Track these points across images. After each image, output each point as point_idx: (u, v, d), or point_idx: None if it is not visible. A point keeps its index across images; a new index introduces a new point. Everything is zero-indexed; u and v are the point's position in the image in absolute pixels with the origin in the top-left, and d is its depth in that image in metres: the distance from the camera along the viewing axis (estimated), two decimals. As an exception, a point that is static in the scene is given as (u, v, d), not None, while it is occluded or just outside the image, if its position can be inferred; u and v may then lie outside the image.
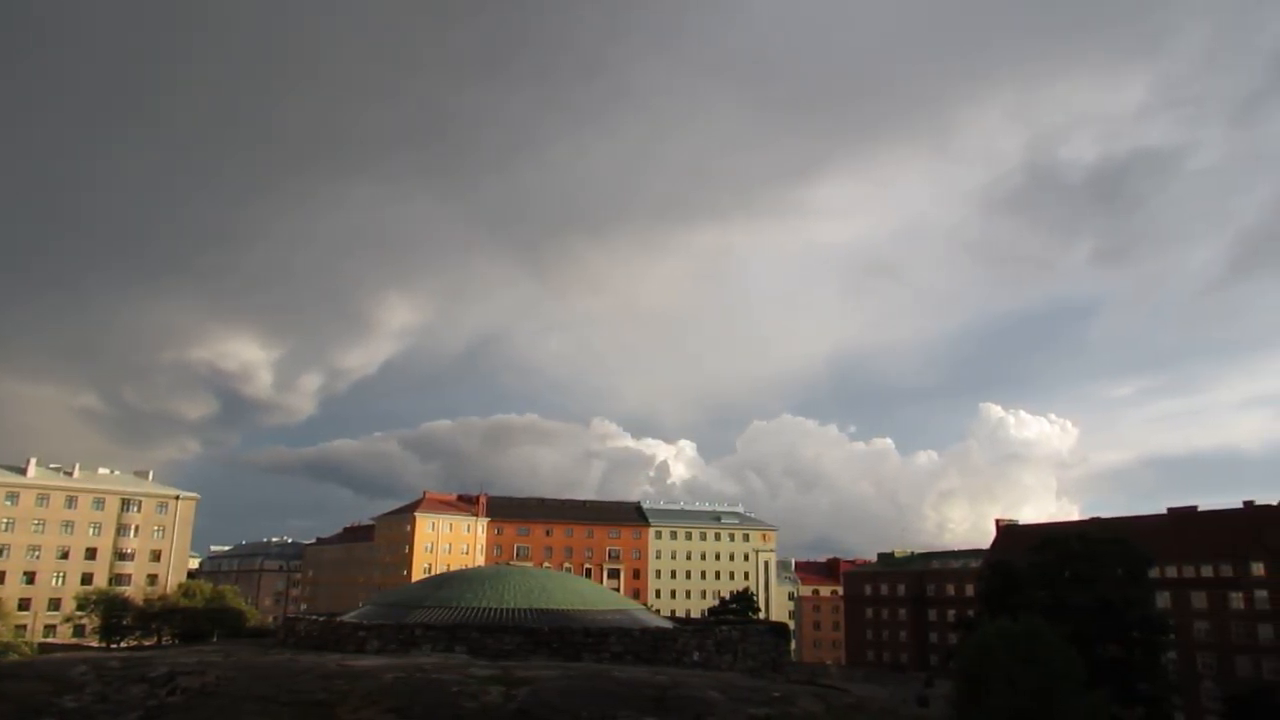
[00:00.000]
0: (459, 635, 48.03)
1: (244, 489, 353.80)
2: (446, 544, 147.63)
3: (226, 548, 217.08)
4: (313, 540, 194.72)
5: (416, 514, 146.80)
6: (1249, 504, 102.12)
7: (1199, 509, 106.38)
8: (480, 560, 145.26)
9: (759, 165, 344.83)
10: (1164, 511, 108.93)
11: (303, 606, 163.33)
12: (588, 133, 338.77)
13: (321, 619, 60.24)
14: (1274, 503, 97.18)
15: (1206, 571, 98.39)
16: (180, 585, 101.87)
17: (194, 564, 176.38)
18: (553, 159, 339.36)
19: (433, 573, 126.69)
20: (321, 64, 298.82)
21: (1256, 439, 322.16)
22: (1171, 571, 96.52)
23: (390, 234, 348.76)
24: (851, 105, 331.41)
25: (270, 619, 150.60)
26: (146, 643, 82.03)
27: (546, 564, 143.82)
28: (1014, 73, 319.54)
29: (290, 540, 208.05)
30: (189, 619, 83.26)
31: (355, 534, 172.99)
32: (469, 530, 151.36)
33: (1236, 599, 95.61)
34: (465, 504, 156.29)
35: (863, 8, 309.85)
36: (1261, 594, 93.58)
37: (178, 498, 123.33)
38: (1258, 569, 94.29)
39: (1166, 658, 71.65)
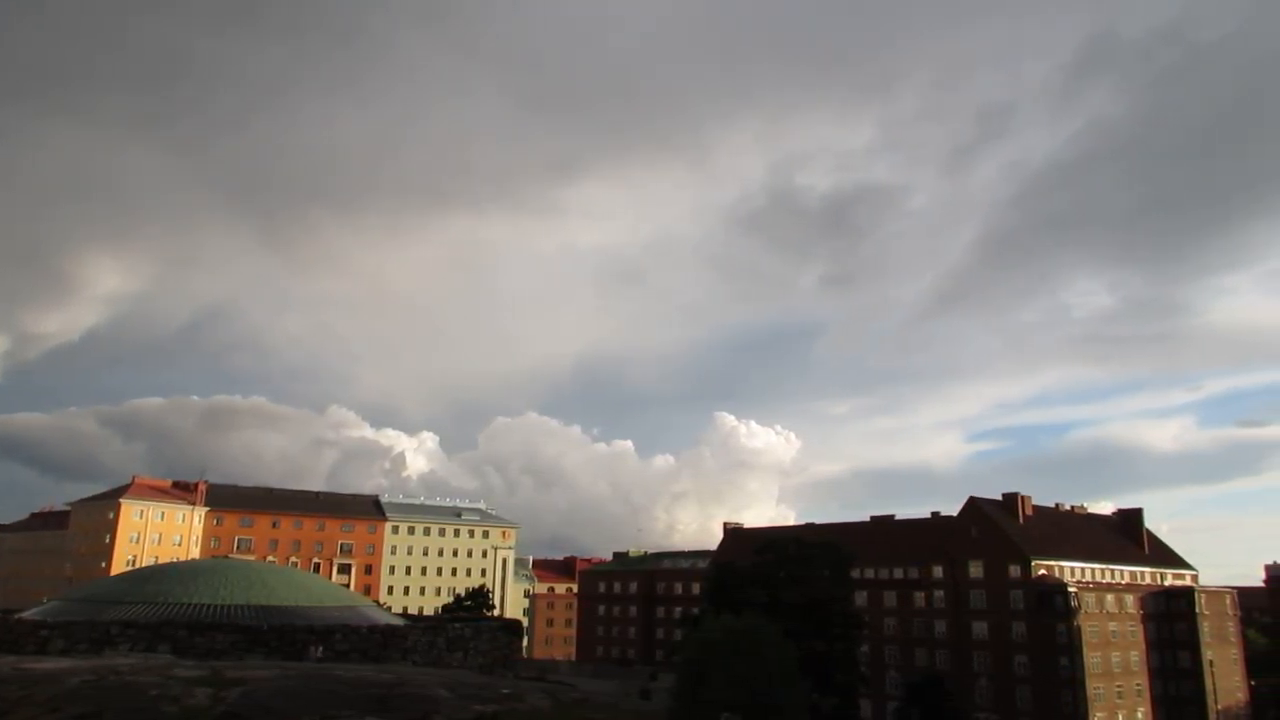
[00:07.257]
0: (164, 634, 44.34)
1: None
2: (156, 534, 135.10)
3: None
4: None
5: (123, 500, 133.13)
6: (935, 514, 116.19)
7: (896, 517, 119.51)
8: (196, 553, 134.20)
9: (519, 159, 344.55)
10: (867, 519, 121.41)
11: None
12: (340, 99, 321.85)
13: (-6, 616, 53.45)
14: (955, 514, 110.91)
15: (898, 573, 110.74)
16: None
17: None
18: (299, 123, 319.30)
19: (138, 565, 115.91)
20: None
21: (945, 457, 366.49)
22: (870, 573, 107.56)
23: (104, 186, 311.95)
24: (614, 110, 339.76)
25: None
26: None
27: (271, 558, 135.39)
28: (764, 98, 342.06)
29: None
30: None
31: (45, 521, 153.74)
32: (184, 520, 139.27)
33: (920, 598, 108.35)
34: (181, 491, 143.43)
35: (631, 14, 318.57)
36: (939, 594, 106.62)
37: None
38: (938, 572, 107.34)
39: (860, 651, 79.52)
